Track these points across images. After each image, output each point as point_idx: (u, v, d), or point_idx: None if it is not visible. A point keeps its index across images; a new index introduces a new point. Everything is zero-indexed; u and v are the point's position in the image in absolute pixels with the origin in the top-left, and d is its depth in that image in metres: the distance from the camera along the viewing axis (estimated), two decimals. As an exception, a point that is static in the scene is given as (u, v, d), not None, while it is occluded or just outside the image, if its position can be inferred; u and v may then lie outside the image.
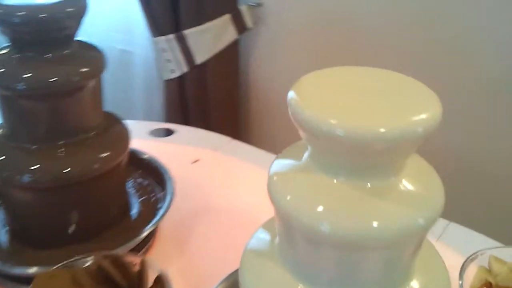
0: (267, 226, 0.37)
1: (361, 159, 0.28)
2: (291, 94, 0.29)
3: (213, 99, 1.13)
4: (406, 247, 0.29)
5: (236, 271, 0.35)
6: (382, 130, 0.26)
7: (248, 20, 1.10)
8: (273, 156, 0.73)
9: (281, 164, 0.32)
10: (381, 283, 0.30)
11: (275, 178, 0.31)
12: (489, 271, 0.42)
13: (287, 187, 0.30)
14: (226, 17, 1.08)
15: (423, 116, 0.26)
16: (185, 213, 0.59)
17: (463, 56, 0.85)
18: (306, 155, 0.31)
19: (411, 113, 0.27)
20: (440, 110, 0.27)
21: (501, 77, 0.83)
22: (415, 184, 0.29)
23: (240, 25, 1.10)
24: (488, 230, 0.57)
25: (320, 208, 0.28)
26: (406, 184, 0.29)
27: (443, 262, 0.33)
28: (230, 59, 1.13)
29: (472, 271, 0.43)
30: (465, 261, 0.43)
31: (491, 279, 0.41)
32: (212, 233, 0.57)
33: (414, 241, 0.29)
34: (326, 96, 0.29)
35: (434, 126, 0.26)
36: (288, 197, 0.30)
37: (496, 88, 0.84)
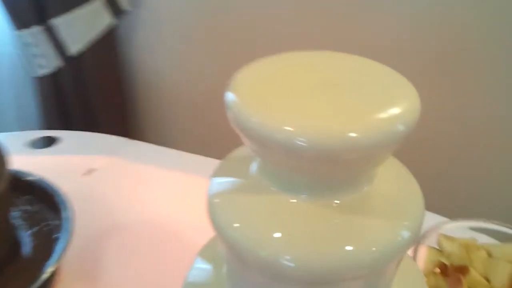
0: (207, 253, 0.31)
1: (328, 171, 0.22)
2: (230, 95, 0.22)
3: (96, 95, 1.02)
4: (389, 269, 0.24)
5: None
6: (354, 134, 0.20)
7: (124, 1, 0.99)
8: (178, 152, 0.66)
9: (222, 181, 0.26)
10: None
11: (216, 200, 0.25)
12: (440, 251, 0.40)
13: (234, 211, 0.24)
14: (99, 1, 0.96)
15: (401, 110, 0.21)
16: (88, 237, 0.50)
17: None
18: (254, 168, 0.25)
19: (386, 108, 0.21)
20: (419, 100, 0.22)
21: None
22: (392, 191, 0.24)
23: (115, 8, 0.99)
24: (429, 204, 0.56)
25: (278, 237, 0.22)
26: (381, 194, 0.24)
27: (419, 270, 0.29)
28: (109, 47, 1.02)
29: (422, 254, 0.40)
30: (415, 246, 0.40)
31: (444, 260, 0.39)
32: (125, 257, 0.48)
33: (398, 259, 0.24)
34: (276, 95, 0.22)
35: (415, 122, 0.21)
36: (236, 224, 0.23)
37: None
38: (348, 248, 0.22)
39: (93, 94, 1.02)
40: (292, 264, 0.22)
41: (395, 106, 0.21)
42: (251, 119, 0.21)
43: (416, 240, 0.25)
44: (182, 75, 1.00)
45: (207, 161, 0.62)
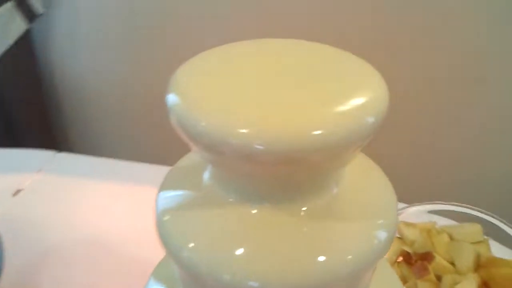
0: (161, 273, 0.28)
1: (292, 176, 0.19)
2: (172, 97, 0.19)
3: (16, 107, 0.94)
4: (367, 275, 0.22)
5: None
6: (319, 132, 0.18)
7: (37, 4, 0.92)
8: (114, 161, 0.61)
9: (171, 196, 0.23)
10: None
11: (166, 218, 0.22)
12: (402, 239, 0.39)
13: (188, 229, 0.21)
14: (9, 5, 0.88)
15: (368, 99, 0.19)
16: (22, 263, 0.45)
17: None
18: (206, 177, 0.22)
19: (351, 98, 0.19)
20: (386, 88, 0.20)
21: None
22: (362, 190, 0.22)
23: (28, 12, 0.91)
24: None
25: (241, 254, 0.20)
26: (351, 194, 0.21)
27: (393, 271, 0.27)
28: (24, 55, 0.94)
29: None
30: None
31: (407, 248, 0.37)
32: (65, 282, 0.44)
33: (376, 263, 0.22)
34: (226, 93, 0.19)
35: (384, 112, 0.19)
36: (191, 245, 0.20)
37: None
38: (321, 259, 0.19)
39: (12, 106, 0.94)
40: (259, 285, 0.19)
41: (361, 96, 0.19)
42: (199, 124, 0.18)
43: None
44: (110, 77, 0.94)
45: (149, 168, 0.58)
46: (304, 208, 0.20)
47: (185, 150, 0.23)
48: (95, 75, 0.95)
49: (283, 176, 0.19)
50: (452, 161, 0.80)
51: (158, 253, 0.27)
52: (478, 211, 0.39)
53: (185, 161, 0.24)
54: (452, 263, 0.36)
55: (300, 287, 0.19)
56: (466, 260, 0.35)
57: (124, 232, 0.48)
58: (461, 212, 0.40)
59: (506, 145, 0.74)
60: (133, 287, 0.29)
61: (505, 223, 0.38)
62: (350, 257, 0.19)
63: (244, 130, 0.18)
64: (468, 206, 0.40)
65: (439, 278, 0.35)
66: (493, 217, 0.38)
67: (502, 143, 0.75)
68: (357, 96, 0.19)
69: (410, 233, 0.38)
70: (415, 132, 0.79)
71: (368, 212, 0.21)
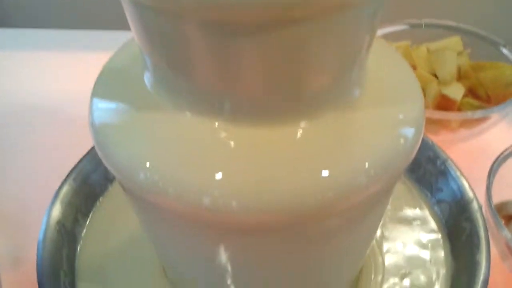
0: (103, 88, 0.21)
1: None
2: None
3: None
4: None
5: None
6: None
7: None
8: (51, 31, 0.55)
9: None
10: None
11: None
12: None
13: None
14: None
15: None
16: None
17: None
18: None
19: None
20: None
21: None
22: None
23: None
24: None
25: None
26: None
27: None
28: None
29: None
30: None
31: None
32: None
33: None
34: None
35: None
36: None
37: None
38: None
39: None
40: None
41: None
42: None
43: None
44: None
45: (88, 35, 0.52)
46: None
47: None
48: None
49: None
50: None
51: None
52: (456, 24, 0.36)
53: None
54: (435, 75, 0.33)
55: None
56: (449, 67, 0.33)
57: (71, 96, 0.43)
58: (440, 26, 0.36)
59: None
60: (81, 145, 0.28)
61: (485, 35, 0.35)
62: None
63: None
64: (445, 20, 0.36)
65: (423, 91, 0.33)
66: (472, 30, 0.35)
67: None
68: None
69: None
70: None
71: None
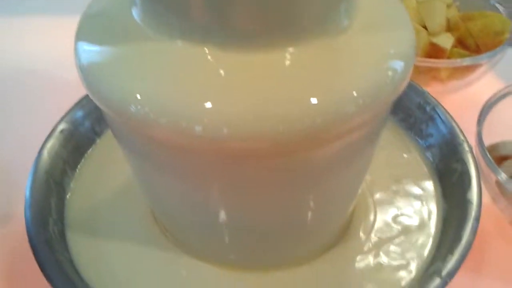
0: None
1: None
2: None
3: None
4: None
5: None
6: None
7: None
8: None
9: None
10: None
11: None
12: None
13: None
14: None
15: None
16: None
17: None
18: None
19: None
20: None
21: None
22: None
23: None
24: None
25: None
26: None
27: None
28: None
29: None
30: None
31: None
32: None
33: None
34: None
35: None
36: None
37: None
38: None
39: None
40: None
41: None
42: None
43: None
44: None
45: None
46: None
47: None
48: None
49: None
50: None
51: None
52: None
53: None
54: (424, 27, 0.33)
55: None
56: (439, 18, 0.32)
57: (58, 59, 0.43)
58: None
59: None
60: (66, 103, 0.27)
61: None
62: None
63: None
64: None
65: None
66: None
67: None
68: None
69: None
70: None
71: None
